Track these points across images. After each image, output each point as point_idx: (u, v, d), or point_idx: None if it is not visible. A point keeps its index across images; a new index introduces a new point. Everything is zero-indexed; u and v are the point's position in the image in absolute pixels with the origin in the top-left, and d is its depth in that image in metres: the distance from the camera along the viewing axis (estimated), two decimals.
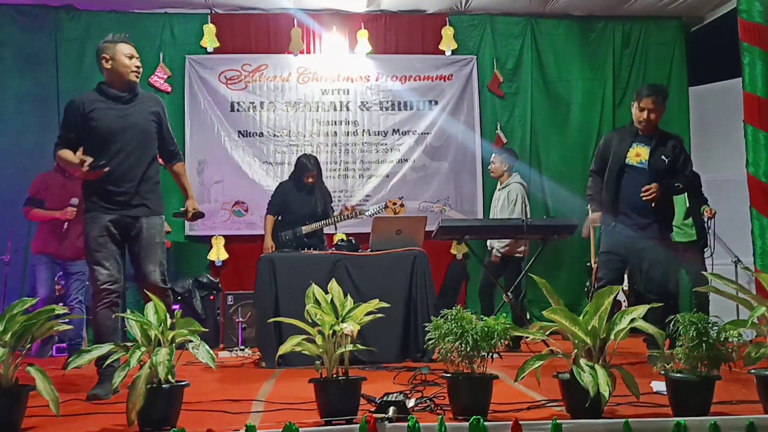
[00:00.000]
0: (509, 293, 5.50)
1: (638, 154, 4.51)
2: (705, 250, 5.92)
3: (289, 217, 5.73)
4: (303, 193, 5.76)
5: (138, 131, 3.75)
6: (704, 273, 3.18)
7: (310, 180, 5.75)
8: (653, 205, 4.37)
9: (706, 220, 5.78)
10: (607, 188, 4.59)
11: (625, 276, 5.94)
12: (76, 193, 4.96)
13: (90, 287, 3.78)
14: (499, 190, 6.14)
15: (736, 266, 5.90)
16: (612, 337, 2.70)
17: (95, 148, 3.67)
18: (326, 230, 5.95)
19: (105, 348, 2.68)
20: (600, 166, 4.71)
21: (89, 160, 3.56)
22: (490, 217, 6.21)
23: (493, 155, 6.27)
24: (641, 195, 4.37)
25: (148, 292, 3.49)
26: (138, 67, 3.81)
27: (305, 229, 5.61)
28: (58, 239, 5.26)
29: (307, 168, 5.76)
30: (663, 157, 4.47)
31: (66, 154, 3.71)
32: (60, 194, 5.25)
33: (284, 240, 5.63)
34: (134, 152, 3.73)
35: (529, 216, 5.70)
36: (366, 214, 5.81)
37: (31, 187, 5.38)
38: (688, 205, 5.80)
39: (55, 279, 5.49)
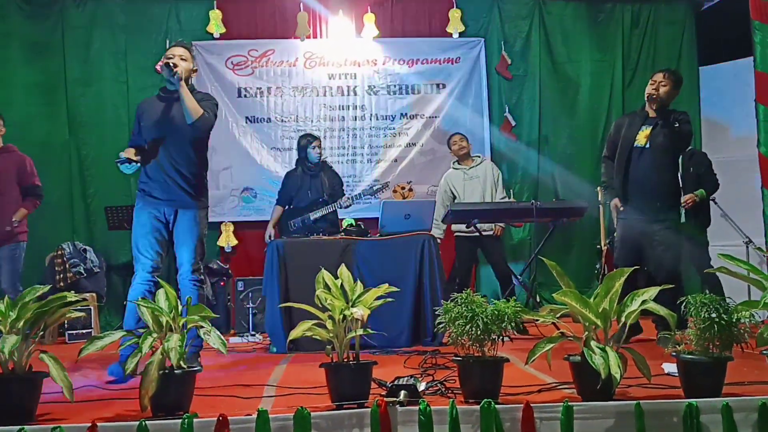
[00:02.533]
0: (519, 276, 5.49)
1: (646, 136, 4.54)
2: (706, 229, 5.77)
3: (298, 204, 5.69)
4: (308, 177, 5.69)
5: (174, 127, 3.93)
6: (719, 255, 3.15)
7: (317, 150, 5.67)
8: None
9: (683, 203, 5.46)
10: (617, 172, 4.63)
11: None
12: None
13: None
14: (468, 170, 6.08)
15: (747, 247, 5.87)
16: (623, 319, 2.69)
17: (143, 144, 3.98)
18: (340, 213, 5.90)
19: (117, 335, 2.69)
20: (612, 150, 4.73)
21: (123, 156, 3.83)
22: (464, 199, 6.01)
23: (457, 134, 6.22)
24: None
25: (182, 282, 3.90)
26: (169, 58, 3.91)
27: (313, 215, 5.56)
28: None
29: (309, 142, 5.69)
30: (664, 129, 4.48)
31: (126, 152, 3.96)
32: None
33: (293, 228, 5.59)
34: (170, 147, 3.95)
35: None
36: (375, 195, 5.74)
37: None
38: (681, 186, 5.62)
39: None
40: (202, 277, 4.03)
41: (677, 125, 4.44)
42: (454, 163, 6.23)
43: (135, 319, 3.70)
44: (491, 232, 5.98)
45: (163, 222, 3.95)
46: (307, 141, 5.73)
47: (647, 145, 4.51)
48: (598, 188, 6.40)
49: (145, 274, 3.87)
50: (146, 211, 3.94)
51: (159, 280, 3.82)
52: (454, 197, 6.07)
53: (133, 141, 4.06)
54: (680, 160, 5.55)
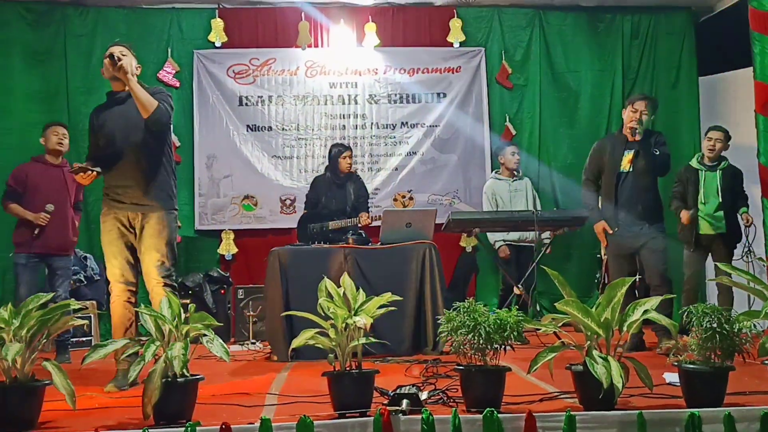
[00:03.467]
0: (520, 285, 5.49)
1: (630, 161, 4.73)
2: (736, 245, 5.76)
3: (321, 210, 5.71)
4: (335, 186, 5.73)
5: (133, 129, 3.72)
6: (719, 265, 3.16)
7: (348, 160, 5.74)
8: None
9: (743, 225, 5.52)
10: (606, 196, 4.82)
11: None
12: (56, 184, 5.13)
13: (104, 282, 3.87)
14: (512, 182, 6.19)
15: (748, 256, 5.86)
16: (625, 328, 2.70)
17: (101, 153, 3.77)
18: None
19: (120, 342, 2.70)
20: (594, 173, 4.91)
21: (76, 165, 3.64)
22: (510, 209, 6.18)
23: (512, 147, 6.45)
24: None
25: (152, 289, 3.65)
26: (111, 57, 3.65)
27: (332, 224, 5.56)
28: (38, 234, 5.07)
29: (340, 152, 5.77)
30: (646, 156, 4.68)
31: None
32: (40, 185, 5.14)
33: (312, 233, 5.60)
34: (132, 150, 3.72)
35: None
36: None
37: (9, 177, 5.24)
38: (721, 200, 5.61)
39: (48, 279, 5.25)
40: (175, 284, 3.77)
41: (657, 152, 4.66)
42: (496, 172, 6.43)
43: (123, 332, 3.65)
44: (533, 245, 6.05)
45: (130, 228, 3.74)
46: (338, 151, 5.79)
47: (631, 170, 4.71)
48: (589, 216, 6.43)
49: (119, 284, 3.70)
50: (111, 216, 3.75)
51: (137, 289, 3.78)
52: (497, 206, 6.22)
53: (92, 153, 3.84)
54: (719, 175, 5.51)
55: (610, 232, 4.78)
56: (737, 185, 5.61)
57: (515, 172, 6.35)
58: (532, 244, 6.06)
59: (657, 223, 4.77)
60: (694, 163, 5.56)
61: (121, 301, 3.70)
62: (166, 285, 3.65)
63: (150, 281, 3.69)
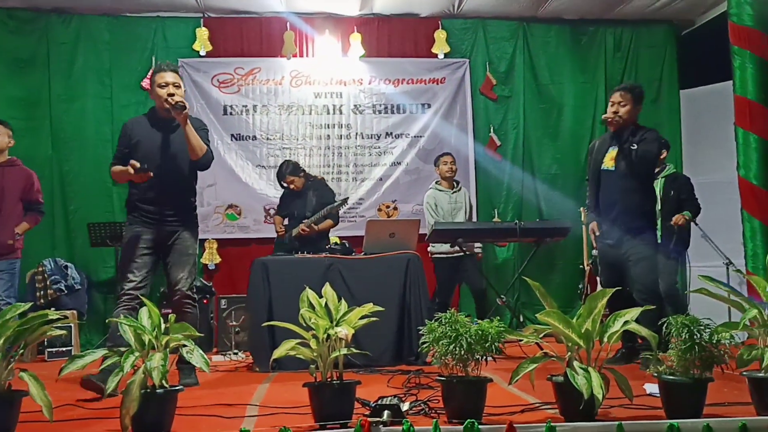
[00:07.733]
0: (502, 296, 5.50)
1: (612, 158, 4.49)
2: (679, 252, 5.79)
3: (290, 220, 5.84)
4: (294, 196, 5.82)
5: (176, 159, 3.93)
6: (699, 276, 3.17)
7: (292, 186, 5.79)
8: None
9: (674, 225, 5.59)
10: (590, 196, 4.67)
11: None
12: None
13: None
14: (452, 194, 6.17)
15: (727, 268, 5.93)
16: (605, 339, 2.71)
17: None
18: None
19: (98, 353, 2.66)
20: (589, 173, 4.75)
21: (137, 164, 3.73)
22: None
23: (448, 155, 6.28)
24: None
25: (177, 301, 3.87)
26: (171, 94, 3.81)
27: (294, 231, 5.65)
28: None
29: (281, 175, 5.85)
30: (629, 147, 4.36)
31: (117, 168, 3.91)
32: None
33: (285, 242, 5.69)
34: (170, 179, 3.91)
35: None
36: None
37: None
38: (659, 208, 5.67)
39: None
40: (196, 297, 4.05)
41: (634, 147, 4.31)
42: (437, 183, 6.26)
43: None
44: (464, 253, 6.07)
45: (156, 243, 3.92)
46: (279, 175, 5.90)
47: (614, 168, 4.45)
48: (581, 208, 6.50)
49: (132, 293, 3.77)
50: (139, 230, 3.90)
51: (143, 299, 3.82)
52: (441, 217, 6.12)
53: (119, 161, 3.91)
54: (661, 183, 5.64)
55: (597, 233, 4.63)
56: (683, 192, 5.70)
57: (454, 183, 6.21)
58: (464, 253, 5.98)
59: (645, 231, 4.45)
60: None
61: (126, 311, 3.70)
62: (190, 298, 3.96)
63: (175, 294, 3.93)
